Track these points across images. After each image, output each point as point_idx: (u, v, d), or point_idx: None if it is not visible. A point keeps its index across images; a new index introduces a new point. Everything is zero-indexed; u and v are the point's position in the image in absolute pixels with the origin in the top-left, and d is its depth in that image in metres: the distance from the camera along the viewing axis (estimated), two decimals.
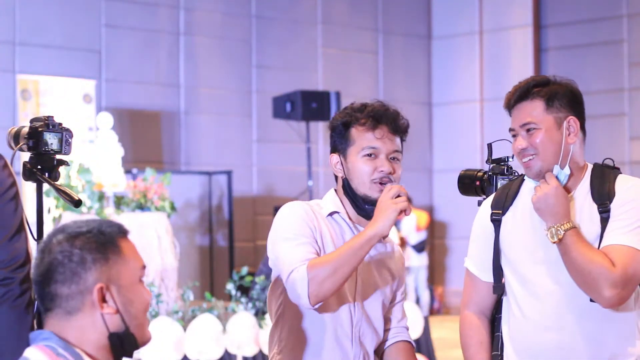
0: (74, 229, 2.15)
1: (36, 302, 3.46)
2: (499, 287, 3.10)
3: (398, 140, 3.18)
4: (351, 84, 14.45)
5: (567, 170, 3.03)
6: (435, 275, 15.29)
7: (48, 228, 3.32)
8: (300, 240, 3.04)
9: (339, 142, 3.19)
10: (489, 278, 3.22)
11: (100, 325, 2.12)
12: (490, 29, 15.02)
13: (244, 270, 8.99)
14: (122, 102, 12.43)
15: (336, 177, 3.24)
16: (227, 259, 12.70)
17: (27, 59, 11.73)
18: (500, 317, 3.20)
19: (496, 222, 3.15)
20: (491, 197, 3.27)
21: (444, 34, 15.54)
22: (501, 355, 3.17)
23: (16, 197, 3.07)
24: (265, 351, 8.74)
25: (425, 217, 14.34)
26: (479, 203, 3.82)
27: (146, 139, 12.70)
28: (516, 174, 3.71)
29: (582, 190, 3.04)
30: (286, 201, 12.14)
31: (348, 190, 3.17)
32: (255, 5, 13.78)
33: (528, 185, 3.14)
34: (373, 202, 3.10)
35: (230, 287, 8.86)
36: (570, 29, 14.60)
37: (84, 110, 11.55)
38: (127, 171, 10.45)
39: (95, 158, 9.41)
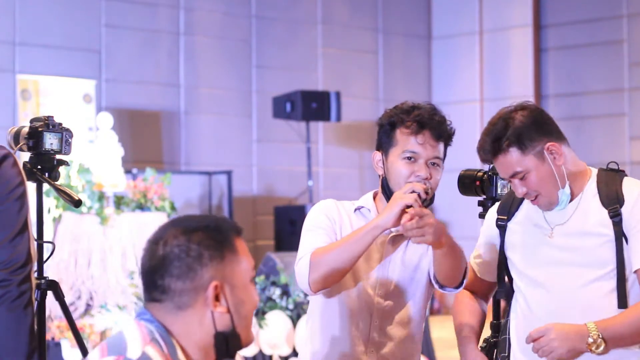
0: (190, 223, 2.11)
1: (36, 303, 3.45)
2: (502, 292, 3.13)
3: (441, 146, 3.21)
4: (351, 84, 14.45)
5: (567, 190, 3.05)
6: None
7: (48, 228, 3.30)
8: (316, 231, 3.11)
9: (384, 141, 3.22)
10: (490, 277, 3.24)
11: (208, 324, 2.07)
12: (490, 29, 15.01)
13: None
14: (122, 102, 12.42)
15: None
16: None
17: (27, 59, 11.72)
18: (507, 320, 3.22)
19: (501, 227, 3.17)
20: (498, 203, 3.31)
21: (444, 34, 15.54)
22: (508, 357, 3.19)
23: (22, 197, 3.03)
24: (265, 351, 8.75)
25: None
26: (479, 203, 3.83)
27: (146, 139, 12.69)
28: None
29: (589, 193, 3.06)
30: (286, 201, 12.12)
31: (386, 188, 3.22)
32: (255, 5, 13.78)
33: None
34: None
35: None
36: (570, 29, 14.59)
37: (84, 110, 11.55)
38: (127, 171, 10.45)
39: (95, 158, 9.41)
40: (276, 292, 8.85)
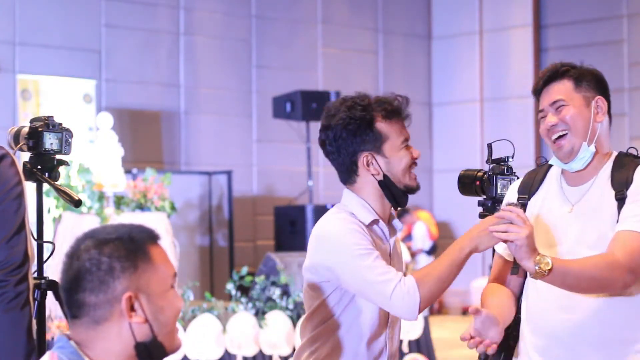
0: (103, 235, 2.09)
1: (35, 303, 3.45)
2: (516, 268, 3.13)
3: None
4: (351, 84, 14.45)
5: (592, 148, 3.08)
6: None
7: (48, 228, 3.29)
8: (373, 254, 3.02)
9: (369, 140, 3.12)
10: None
11: (127, 335, 2.06)
12: (490, 29, 15.02)
13: (244, 270, 8.99)
14: (122, 102, 12.43)
15: (345, 177, 3.18)
16: (227, 259, 12.70)
17: (27, 59, 11.72)
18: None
19: (522, 206, 3.19)
20: (519, 180, 3.30)
21: (444, 34, 15.54)
22: (518, 336, 3.22)
23: (20, 196, 3.02)
24: (265, 351, 8.74)
25: (434, 224, 14.39)
26: (479, 203, 3.82)
27: (146, 139, 12.70)
28: (516, 174, 3.72)
29: (603, 177, 3.10)
30: (286, 201, 12.05)
31: (388, 186, 3.15)
32: (255, 5, 13.78)
33: (554, 171, 3.19)
34: (414, 191, 3.17)
35: (230, 287, 8.86)
36: (570, 29, 14.60)
37: (84, 110, 11.56)
38: (127, 171, 10.45)
39: (95, 158, 9.41)
40: (276, 292, 8.85)
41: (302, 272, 3.22)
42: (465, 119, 15.25)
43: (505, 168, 3.74)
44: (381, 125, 3.12)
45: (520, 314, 3.24)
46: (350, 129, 3.10)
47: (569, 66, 3.12)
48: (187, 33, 13.14)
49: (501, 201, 3.64)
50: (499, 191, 3.72)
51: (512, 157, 3.73)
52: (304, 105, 12.10)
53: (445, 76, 15.51)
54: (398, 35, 15.27)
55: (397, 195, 3.17)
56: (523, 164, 14.14)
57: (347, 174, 3.17)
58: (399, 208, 3.28)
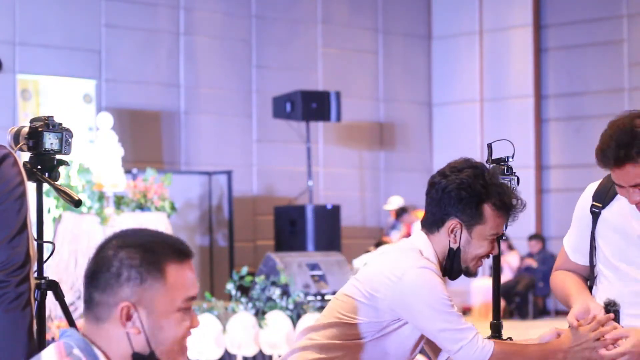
0: (130, 238, 2.08)
1: (35, 303, 3.45)
2: (591, 276, 3.19)
3: None
4: (351, 84, 14.45)
5: None
6: None
7: (48, 228, 3.28)
8: (455, 307, 3.15)
9: (468, 214, 3.18)
10: (579, 260, 3.32)
11: (124, 342, 2.06)
12: (490, 29, 15.01)
13: (244, 270, 8.99)
14: (122, 102, 12.42)
15: (428, 224, 3.24)
16: (227, 259, 12.70)
17: (27, 59, 11.72)
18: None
19: (595, 214, 3.21)
20: (596, 182, 3.30)
21: (444, 34, 15.54)
22: None
23: (22, 196, 3.00)
24: (265, 351, 8.74)
25: None
26: None
27: (146, 139, 12.69)
28: (516, 174, 3.72)
29: None
30: (286, 201, 12.04)
31: (452, 258, 3.22)
32: (255, 5, 13.78)
33: None
34: (469, 276, 3.27)
35: (230, 287, 8.86)
36: (570, 29, 14.59)
37: (84, 110, 11.56)
38: (127, 171, 10.45)
39: (95, 158, 9.41)
40: (276, 292, 8.85)
41: (344, 275, 3.30)
42: (465, 119, 15.24)
43: (505, 168, 3.74)
44: (488, 211, 3.18)
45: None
46: (461, 194, 3.16)
47: (631, 144, 2.96)
48: (187, 33, 13.14)
49: None
50: None
51: (512, 157, 3.73)
52: (304, 105, 12.11)
53: (445, 76, 15.50)
54: (398, 35, 15.27)
55: (455, 268, 3.24)
56: (523, 164, 14.17)
57: (430, 224, 3.24)
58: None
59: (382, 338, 3.17)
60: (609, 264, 3.18)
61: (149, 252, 2.05)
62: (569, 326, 3.15)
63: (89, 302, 2.08)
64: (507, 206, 3.19)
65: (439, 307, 3.10)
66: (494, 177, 3.21)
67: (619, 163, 2.97)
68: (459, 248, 3.20)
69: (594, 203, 3.23)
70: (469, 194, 3.15)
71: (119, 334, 2.06)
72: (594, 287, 3.26)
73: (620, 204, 3.17)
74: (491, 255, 3.34)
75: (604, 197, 3.22)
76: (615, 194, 3.18)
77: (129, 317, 2.04)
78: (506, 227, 3.31)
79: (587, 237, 3.26)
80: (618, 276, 3.15)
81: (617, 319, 3.13)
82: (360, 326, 3.15)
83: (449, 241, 3.20)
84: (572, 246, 3.34)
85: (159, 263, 2.05)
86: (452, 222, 3.18)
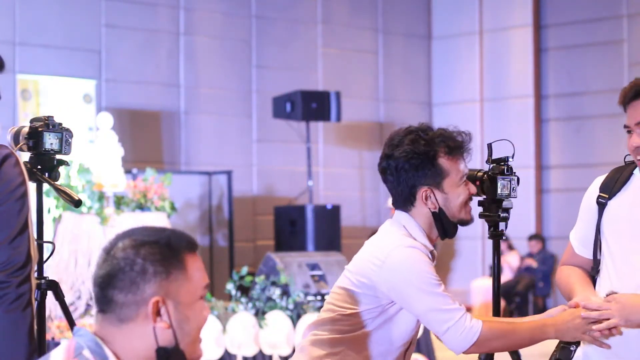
0: (142, 236, 2.11)
1: (35, 303, 3.45)
2: (594, 269, 3.19)
3: None
4: (351, 84, 14.45)
5: None
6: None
7: (48, 228, 3.27)
8: (442, 286, 3.12)
9: (430, 175, 3.18)
10: (585, 253, 3.33)
11: (149, 338, 2.07)
12: (490, 29, 15.01)
13: (244, 270, 8.99)
14: (122, 102, 12.42)
15: (400, 204, 3.24)
16: (227, 259, 12.70)
17: (27, 59, 11.72)
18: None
19: (601, 205, 3.21)
20: (603, 176, 3.33)
21: (444, 34, 15.54)
22: None
23: (24, 197, 2.99)
24: (265, 351, 8.74)
25: None
26: (479, 203, 3.82)
27: (146, 139, 12.70)
28: (516, 174, 3.72)
29: None
30: (286, 201, 12.05)
31: (441, 219, 3.22)
32: (255, 5, 13.78)
33: (638, 176, 3.21)
34: (467, 224, 3.27)
35: (230, 287, 8.86)
36: (570, 29, 14.59)
37: (84, 110, 11.56)
38: (127, 171, 10.45)
39: (95, 158, 9.41)
40: (276, 292, 8.85)
41: (342, 272, 3.28)
42: (465, 119, 15.23)
43: (505, 168, 3.73)
44: (443, 161, 3.19)
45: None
46: (412, 163, 3.17)
47: None
48: (187, 33, 13.14)
49: (501, 201, 3.65)
50: (498, 191, 3.71)
51: (512, 157, 3.73)
52: (304, 105, 12.11)
53: (445, 76, 15.50)
54: (398, 35, 15.27)
55: (447, 227, 3.24)
56: (523, 164, 14.17)
57: (403, 202, 3.24)
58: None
59: (384, 325, 3.17)
60: (614, 255, 3.17)
61: (166, 247, 2.09)
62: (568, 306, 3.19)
63: (109, 305, 2.08)
64: (457, 147, 3.21)
65: (424, 286, 3.08)
66: (429, 129, 3.21)
67: (635, 97, 3.12)
68: (440, 209, 3.21)
69: (601, 194, 3.25)
70: (419, 158, 3.17)
71: (143, 331, 2.07)
72: (597, 278, 3.26)
73: (627, 195, 3.18)
74: (474, 196, 3.34)
75: (611, 187, 3.24)
76: (622, 185, 3.19)
77: (159, 313, 2.07)
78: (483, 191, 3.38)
79: (593, 229, 3.27)
80: (623, 267, 3.15)
81: None
82: (360, 315, 3.16)
83: (428, 208, 3.21)
84: (578, 239, 3.35)
85: (179, 255, 2.10)
86: (422, 190, 3.19)
